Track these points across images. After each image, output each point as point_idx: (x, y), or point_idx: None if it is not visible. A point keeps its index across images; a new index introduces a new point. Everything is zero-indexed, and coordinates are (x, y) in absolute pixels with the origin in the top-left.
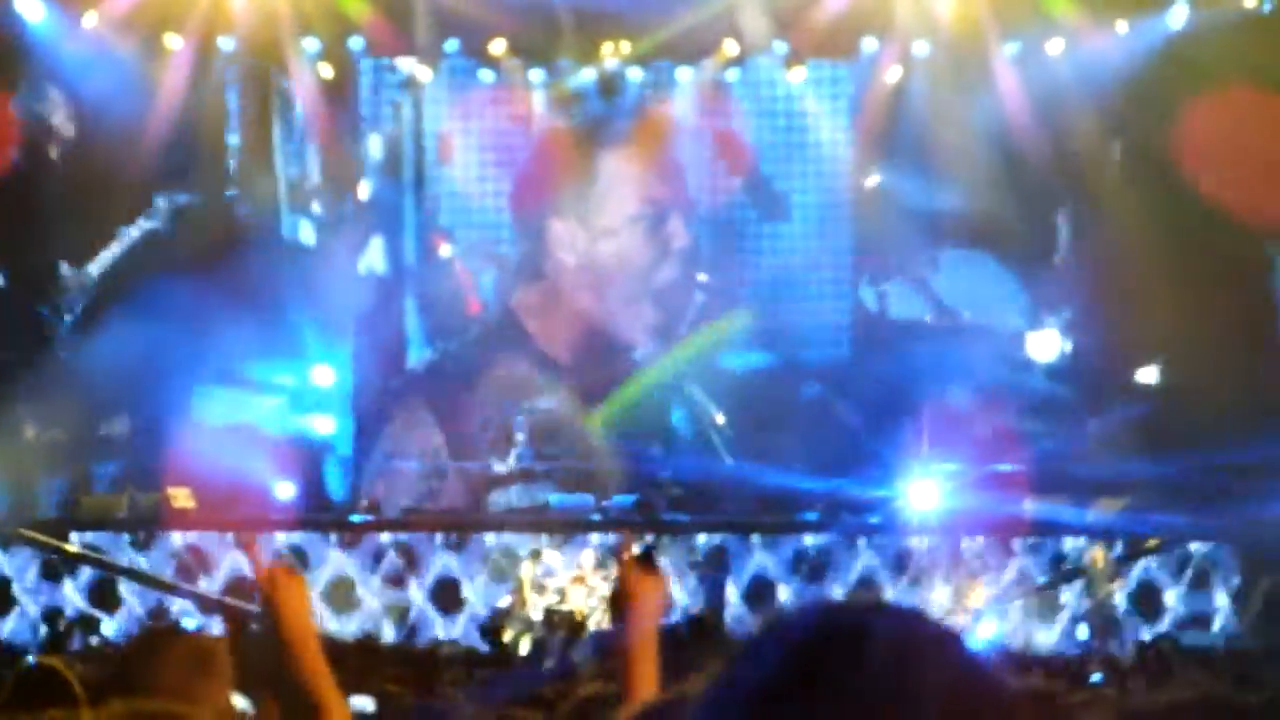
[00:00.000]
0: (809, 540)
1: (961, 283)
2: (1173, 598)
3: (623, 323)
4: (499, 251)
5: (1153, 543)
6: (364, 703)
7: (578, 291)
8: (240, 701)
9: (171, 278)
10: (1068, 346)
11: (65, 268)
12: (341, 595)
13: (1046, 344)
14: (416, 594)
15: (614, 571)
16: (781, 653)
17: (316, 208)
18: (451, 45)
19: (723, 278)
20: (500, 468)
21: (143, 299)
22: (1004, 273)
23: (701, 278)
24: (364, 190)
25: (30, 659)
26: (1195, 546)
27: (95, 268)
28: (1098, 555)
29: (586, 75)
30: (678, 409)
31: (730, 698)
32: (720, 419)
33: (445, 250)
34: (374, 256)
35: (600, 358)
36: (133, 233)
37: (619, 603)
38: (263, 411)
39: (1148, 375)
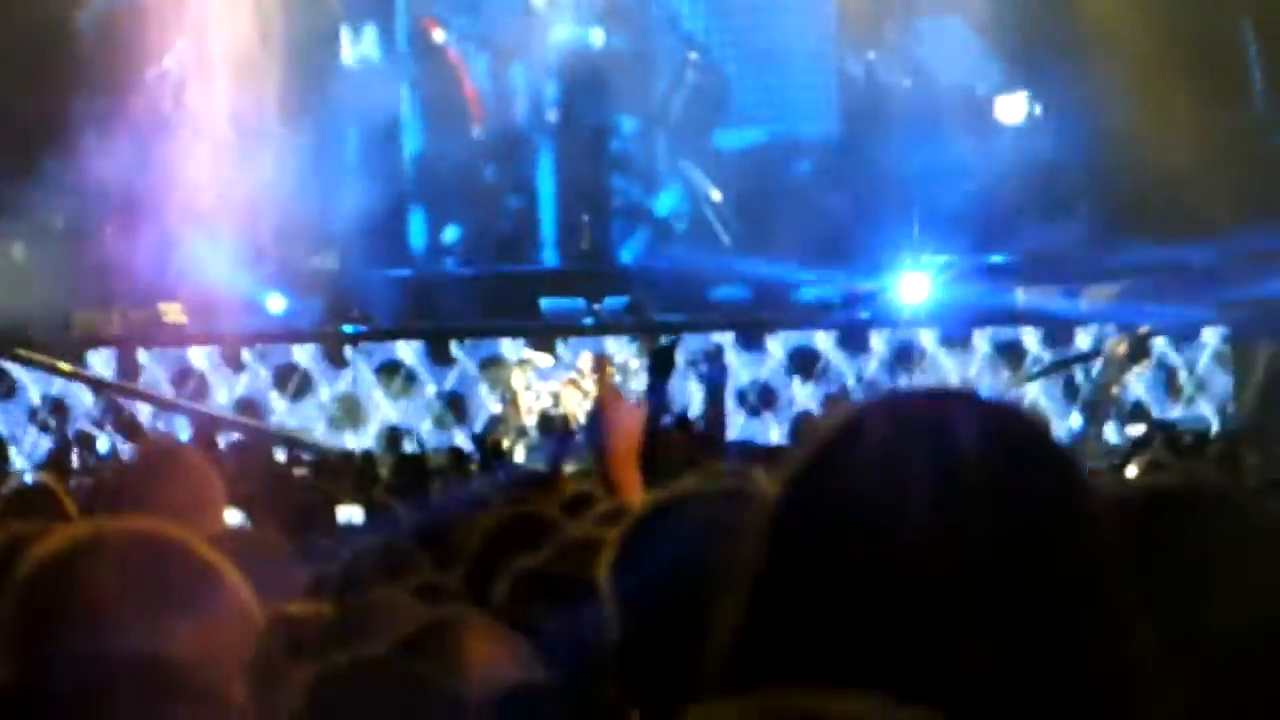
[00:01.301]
0: (808, 339)
1: (936, 47)
2: (1173, 380)
3: None
4: (492, 36)
5: (1144, 330)
6: (353, 512)
7: None
8: (233, 517)
9: None
10: (1037, 109)
11: None
12: (343, 409)
13: (1014, 107)
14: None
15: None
16: (877, 434)
17: None
18: None
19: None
20: None
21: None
22: (974, 37)
23: (693, 55)
24: None
25: (26, 476)
26: (1189, 333)
27: None
28: (1117, 345)
29: None
30: (672, 188)
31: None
32: (716, 195)
33: (438, 36)
34: (366, 45)
35: None
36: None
37: (596, 416)
38: None
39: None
